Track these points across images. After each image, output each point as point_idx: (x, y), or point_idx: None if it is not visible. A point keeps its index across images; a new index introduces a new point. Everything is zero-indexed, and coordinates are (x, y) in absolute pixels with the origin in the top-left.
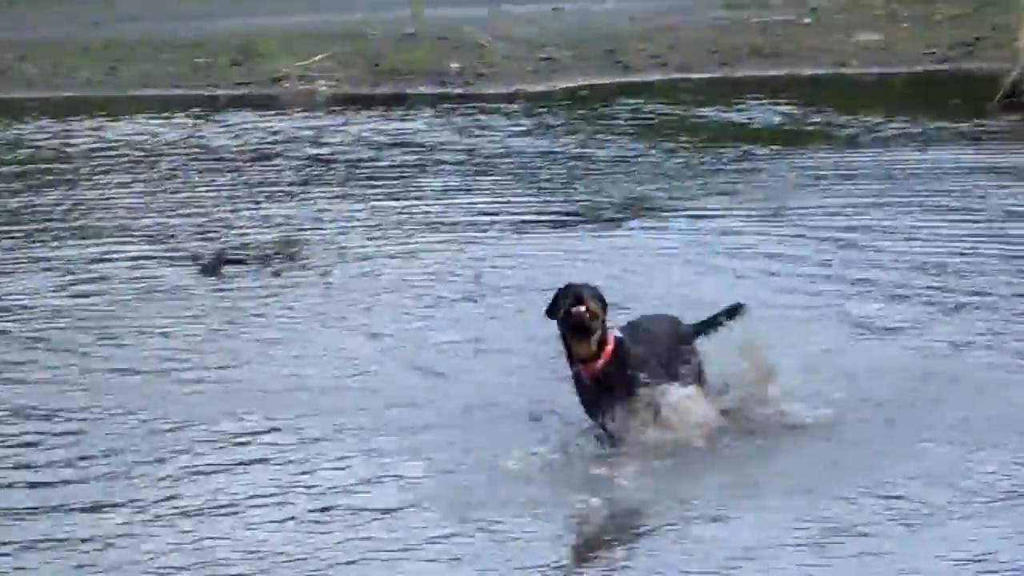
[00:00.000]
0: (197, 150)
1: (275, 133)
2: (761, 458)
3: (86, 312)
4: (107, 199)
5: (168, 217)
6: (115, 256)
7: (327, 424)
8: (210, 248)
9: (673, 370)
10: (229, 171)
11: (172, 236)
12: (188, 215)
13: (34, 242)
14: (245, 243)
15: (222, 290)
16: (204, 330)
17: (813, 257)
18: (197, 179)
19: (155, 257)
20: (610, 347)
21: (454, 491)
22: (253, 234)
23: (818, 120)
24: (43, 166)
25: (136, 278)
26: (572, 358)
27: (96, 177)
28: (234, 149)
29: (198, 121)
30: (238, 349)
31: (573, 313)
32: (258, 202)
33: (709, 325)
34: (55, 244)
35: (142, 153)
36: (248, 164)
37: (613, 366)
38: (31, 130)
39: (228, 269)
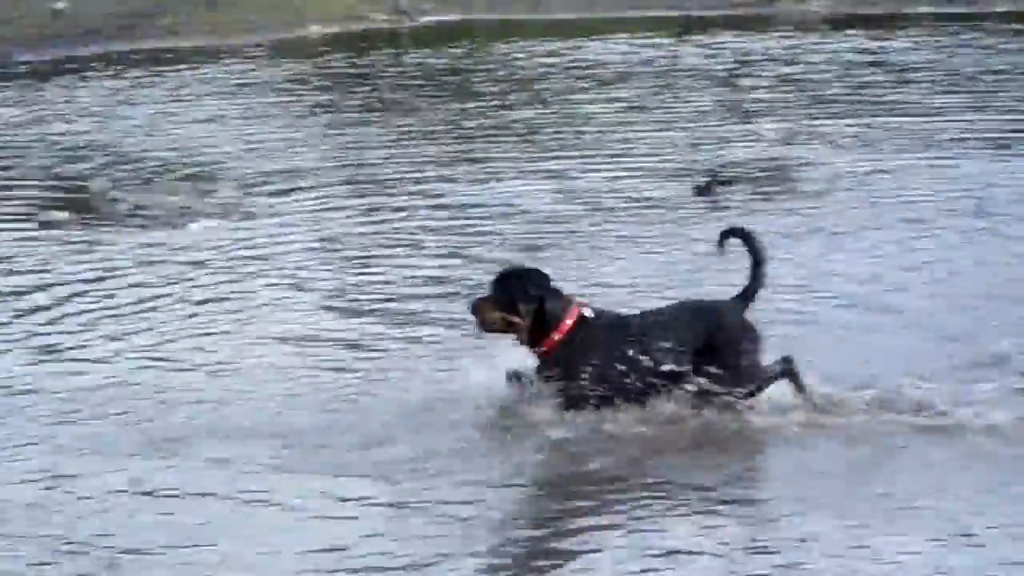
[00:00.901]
0: (677, 69)
1: (753, 53)
2: None
3: (576, 222)
4: (587, 115)
5: (646, 134)
6: (599, 169)
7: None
8: (689, 166)
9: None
10: (707, 90)
11: (652, 153)
12: (667, 133)
13: (520, 152)
14: (729, 163)
15: (714, 209)
16: (699, 248)
17: None
18: (675, 98)
19: (637, 173)
20: (558, 336)
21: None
22: (736, 154)
23: None
24: (526, 83)
25: (620, 190)
26: None
27: (574, 95)
28: (712, 68)
29: (681, 40)
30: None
31: (472, 303)
32: (738, 121)
33: (747, 296)
34: (542, 155)
35: (618, 72)
36: (726, 84)
37: (560, 354)
38: (514, 50)
39: (720, 189)
